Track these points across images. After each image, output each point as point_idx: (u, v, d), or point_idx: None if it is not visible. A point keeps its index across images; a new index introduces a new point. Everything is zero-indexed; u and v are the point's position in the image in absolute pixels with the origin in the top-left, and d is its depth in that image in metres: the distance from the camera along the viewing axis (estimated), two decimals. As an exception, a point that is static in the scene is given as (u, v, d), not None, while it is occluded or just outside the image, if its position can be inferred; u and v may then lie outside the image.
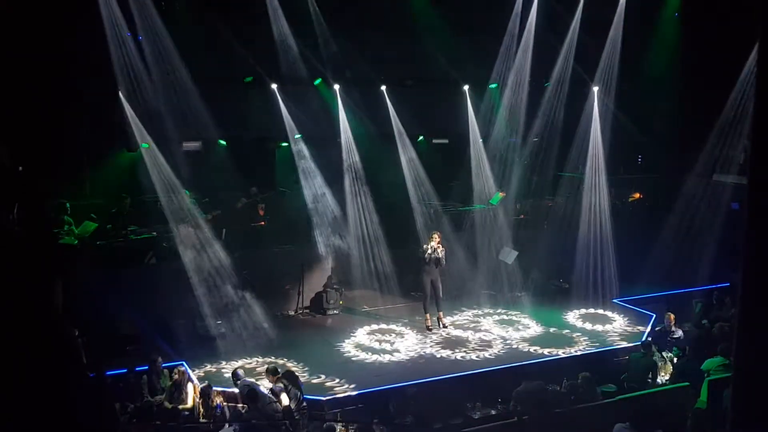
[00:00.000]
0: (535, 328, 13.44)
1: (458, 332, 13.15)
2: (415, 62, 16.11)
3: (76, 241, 12.46)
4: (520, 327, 13.49)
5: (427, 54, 15.75)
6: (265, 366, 10.62)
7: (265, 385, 9.94)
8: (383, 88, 15.42)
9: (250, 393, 9.35)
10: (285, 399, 9.41)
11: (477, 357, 12.00)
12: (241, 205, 13.83)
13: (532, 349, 12.38)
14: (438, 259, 12.90)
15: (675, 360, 11.38)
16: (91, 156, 13.88)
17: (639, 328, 13.40)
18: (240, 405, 9.85)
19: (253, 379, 10.20)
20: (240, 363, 11.31)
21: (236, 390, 9.91)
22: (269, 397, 9.48)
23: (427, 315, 13.25)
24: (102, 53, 12.50)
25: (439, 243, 12.96)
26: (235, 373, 9.99)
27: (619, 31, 15.71)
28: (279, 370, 10.18)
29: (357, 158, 15.14)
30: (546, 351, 12.22)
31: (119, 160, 13.81)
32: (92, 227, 12.78)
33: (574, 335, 13.03)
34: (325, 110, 15.31)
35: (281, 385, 9.61)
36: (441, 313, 13.33)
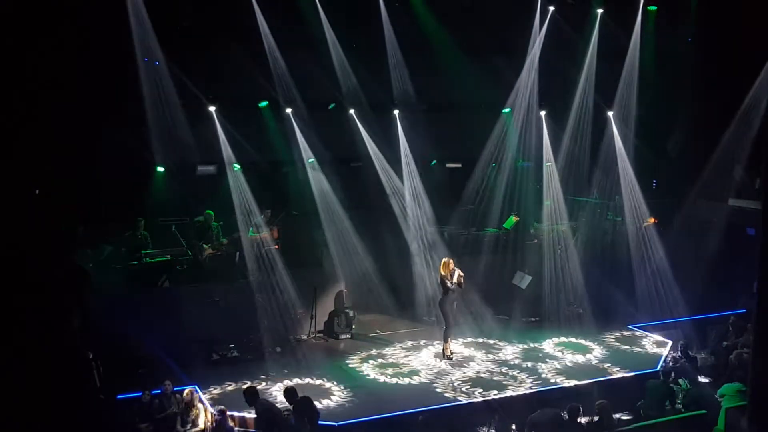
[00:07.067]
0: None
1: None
2: (429, 86, 16.19)
3: (91, 264, 12.53)
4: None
5: (442, 78, 15.85)
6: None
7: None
8: (396, 112, 15.50)
9: (267, 415, 9.32)
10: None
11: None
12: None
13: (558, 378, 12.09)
14: (460, 284, 12.80)
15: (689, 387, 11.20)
16: (109, 179, 13.99)
17: (655, 354, 13.22)
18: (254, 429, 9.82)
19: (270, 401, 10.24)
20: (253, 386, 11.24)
21: (251, 414, 9.87)
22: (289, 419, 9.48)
23: (446, 344, 12.98)
24: (123, 76, 12.73)
25: (454, 268, 12.85)
26: (251, 392, 9.85)
27: (635, 55, 15.80)
28: (297, 393, 10.14)
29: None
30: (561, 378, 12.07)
31: (138, 183, 13.96)
32: (107, 250, 12.87)
33: (591, 362, 12.89)
34: (339, 134, 15.41)
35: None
36: (450, 340, 13.17)
